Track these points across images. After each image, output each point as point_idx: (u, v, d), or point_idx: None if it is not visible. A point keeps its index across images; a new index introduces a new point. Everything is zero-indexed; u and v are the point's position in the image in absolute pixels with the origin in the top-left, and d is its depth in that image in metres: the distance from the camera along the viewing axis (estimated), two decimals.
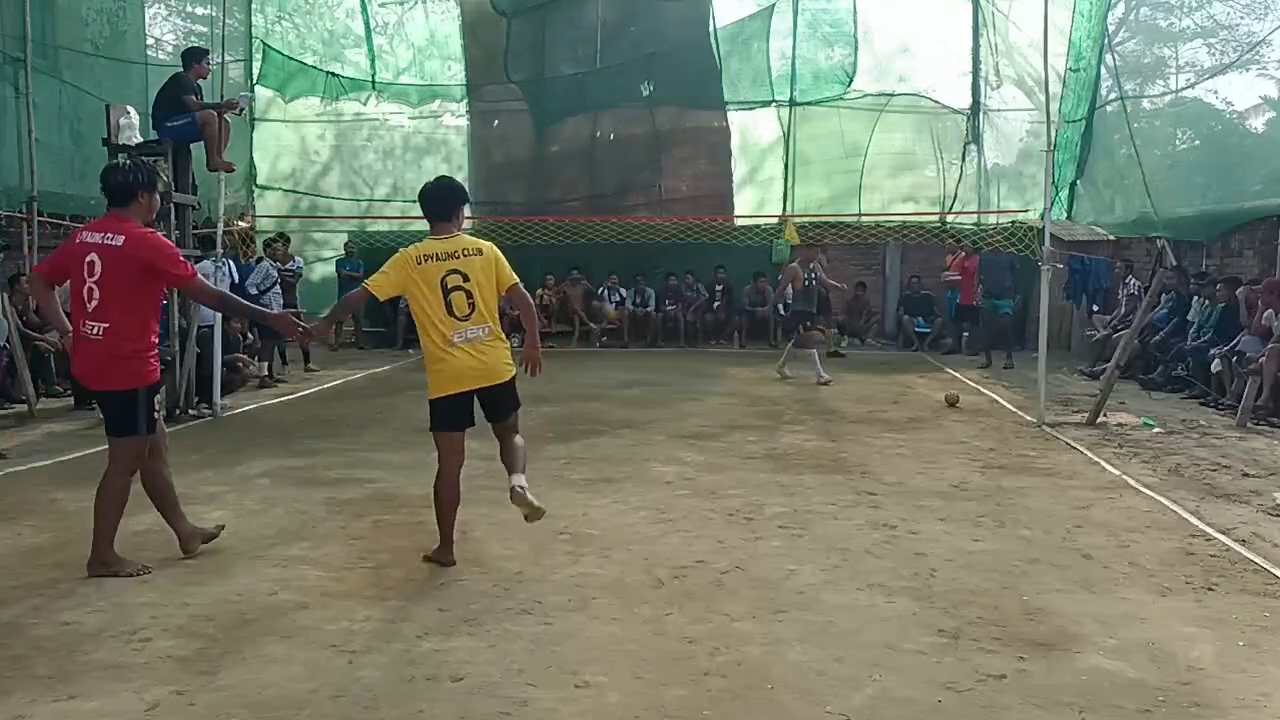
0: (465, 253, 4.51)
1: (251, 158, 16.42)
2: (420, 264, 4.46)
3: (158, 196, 4.68)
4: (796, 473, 6.59)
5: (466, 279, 4.46)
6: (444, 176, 4.86)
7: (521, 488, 4.46)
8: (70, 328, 4.56)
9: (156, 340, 4.55)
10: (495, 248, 4.60)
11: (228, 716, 3.10)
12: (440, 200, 4.63)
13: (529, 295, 4.75)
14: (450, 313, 4.44)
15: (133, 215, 4.47)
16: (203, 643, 3.66)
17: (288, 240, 13.62)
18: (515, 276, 4.62)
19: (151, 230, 4.57)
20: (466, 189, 4.80)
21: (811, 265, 11.95)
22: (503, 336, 4.60)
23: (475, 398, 4.54)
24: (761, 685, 3.32)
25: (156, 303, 4.64)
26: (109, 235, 4.38)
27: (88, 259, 4.35)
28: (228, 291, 4.70)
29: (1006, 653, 3.58)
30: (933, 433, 8.15)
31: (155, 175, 4.70)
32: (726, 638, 3.72)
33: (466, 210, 4.72)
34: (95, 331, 4.36)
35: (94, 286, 4.34)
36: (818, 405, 9.66)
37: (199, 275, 4.71)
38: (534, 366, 4.78)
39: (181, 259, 4.56)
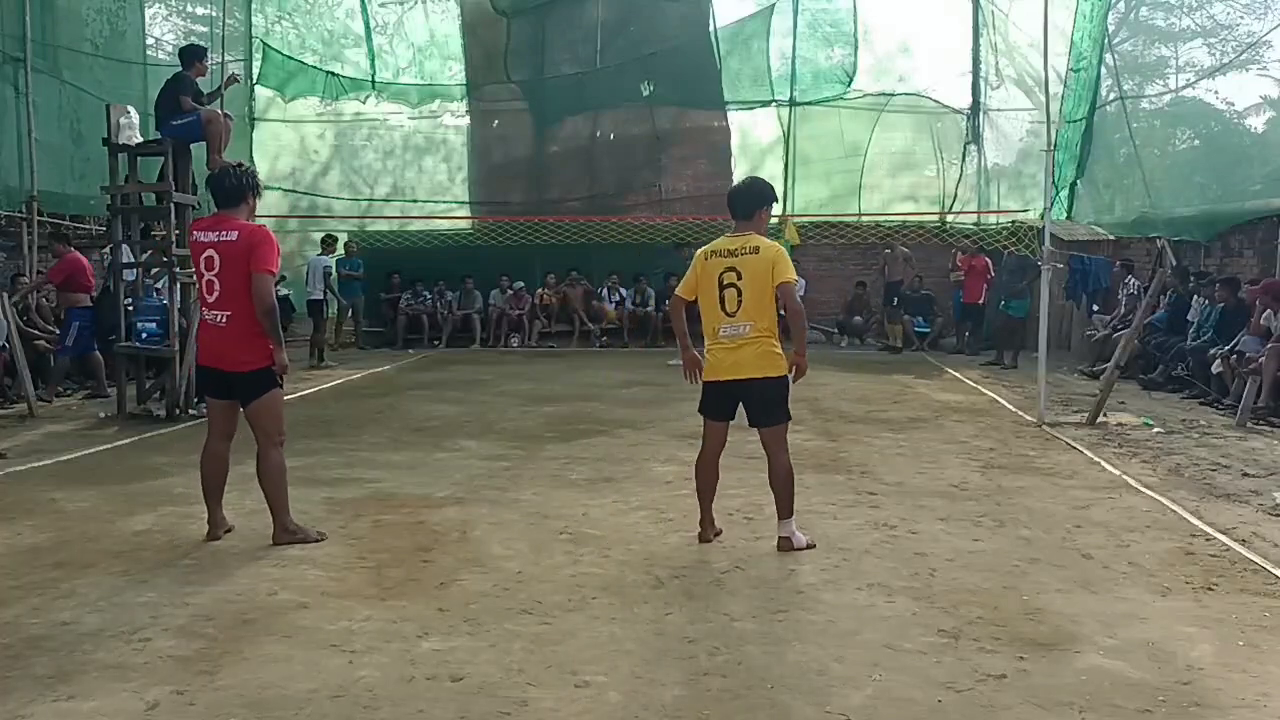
0: (745, 251, 4.64)
1: (251, 157, 16.44)
2: (706, 260, 4.74)
3: (256, 200, 5.07)
4: (796, 472, 6.57)
5: (740, 276, 4.62)
6: (754, 178, 5.03)
7: (786, 540, 4.78)
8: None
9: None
10: (779, 248, 4.68)
11: (228, 716, 3.09)
12: (738, 199, 4.82)
13: (798, 300, 4.79)
14: (721, 307, 4.67)
15: (239, 215, 4.85)
16: (203, 643, 3.66)
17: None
18: (789, 275, 4.63)
19: (262, 226, 4.94)
20: (774, 190, 4.96)
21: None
22: (770, 336, 4.68)
23: (739, 396, 4.79)
24: (761, 685, 3.31)
25: None
26: (224, 232, 4.74)
27: (204, 255, 4.74)
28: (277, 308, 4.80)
29: (1006, 653, 3.58)
30: (933, 433, 8.15)
31: (259, 181, 5.11)
32: (726, 637, 3.72)
33: (774, 209, 5.01)
34: (219, 319, 4.76)
35: (214, 280, 4.72)
36: (818, 405, 9.65)
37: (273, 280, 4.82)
38: (797, 372, 4.76)
39: (276, 256, 4.81)
